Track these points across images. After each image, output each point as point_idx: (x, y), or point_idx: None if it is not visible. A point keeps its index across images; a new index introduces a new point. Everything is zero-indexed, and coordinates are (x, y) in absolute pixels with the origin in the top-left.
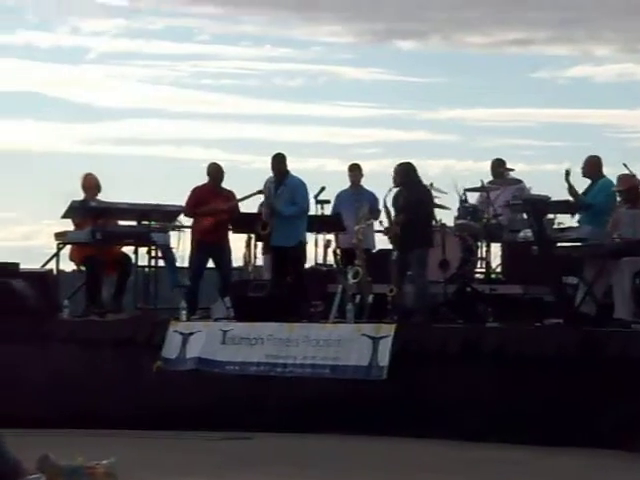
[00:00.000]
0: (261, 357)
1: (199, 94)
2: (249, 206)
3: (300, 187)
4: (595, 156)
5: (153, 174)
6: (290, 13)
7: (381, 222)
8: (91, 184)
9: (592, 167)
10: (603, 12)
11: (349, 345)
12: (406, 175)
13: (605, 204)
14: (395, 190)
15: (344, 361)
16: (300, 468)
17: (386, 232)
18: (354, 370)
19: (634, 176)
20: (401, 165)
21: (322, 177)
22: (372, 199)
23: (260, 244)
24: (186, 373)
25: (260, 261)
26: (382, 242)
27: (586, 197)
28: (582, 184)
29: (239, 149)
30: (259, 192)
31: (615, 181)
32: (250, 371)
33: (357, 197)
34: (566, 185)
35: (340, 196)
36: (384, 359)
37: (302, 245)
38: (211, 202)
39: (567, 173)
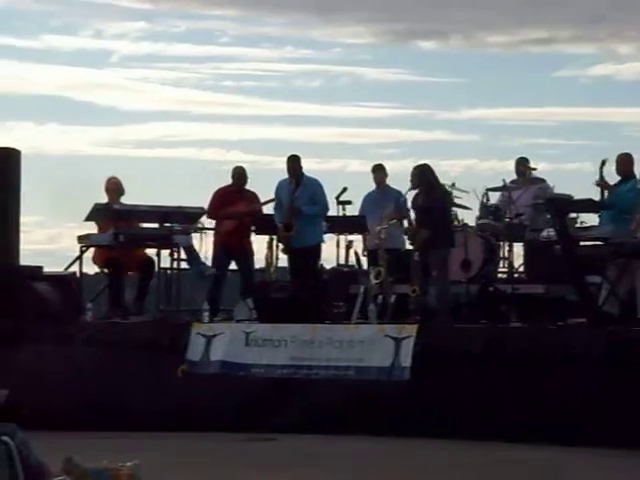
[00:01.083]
0: (285, 359)
1: (220, 96)
2: (271, 208)
3: (319, 187)
4: (628, 154)
5: (176, 176)
6: (310, 14)
7: (405, 223)
8: (114, 187)
9: (625, 165)
10: (625, 10)
11: (372, 346)
12: (423, 176)
13: (630, 203)
14: (413, 192)
15: (367, 362)
16: (325, 470)
17: (405, 232)
18: (377, 371)
19: None
20: (417, 167)
21: (343, 178)
22: (398, 198)
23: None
24: (210, 375)
25: (282, 262)
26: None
27: (613, 194)
28: (613, 181)
29: (260, 150)
30: (273, 200)
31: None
32: (275, 374)
33: (383, 198)
34: (598, 175)
35: (366, 198)
36: (407, 360)
37: (320, 245)
38: (234, 204)
39: (603, 163)
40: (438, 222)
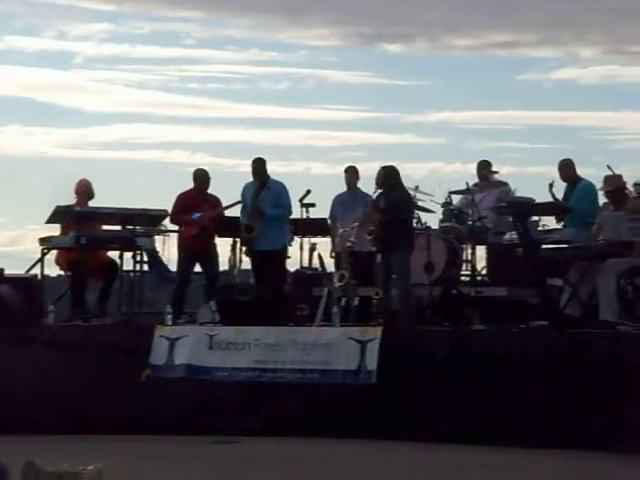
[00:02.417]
0: (250, 362)
1: (185, 98)
2: (234, 211)
3: (283, 190)
4: (567, 159)
5: (141, 178)
6: (276, 17)
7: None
8: (84, 190)
9: (567, 170)
10: (588, 14)
11: (337, 349)
12: (387, 177)
13: (589, 207)
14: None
15: (333, 365)
16: (287, 473)
17: (369, 234)
18: (343, 374)
19: (620, 177)
20: (383, 168)
21: (308, 180)
22: (367, 202)
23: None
24: (174, 378)
25: (245, 264)
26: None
27: (569, 201)
28: (561, 189)
29: (225, 153)
30: (239, 202)
31: (597, 183)
32: (240, 377)
33: (353, 199)
34: (550, 197)
35: (337, 200)
36: (372, 363)
37: (286, 248)
38: (197, 208)
39: (551, 185)
40: (398, 223)
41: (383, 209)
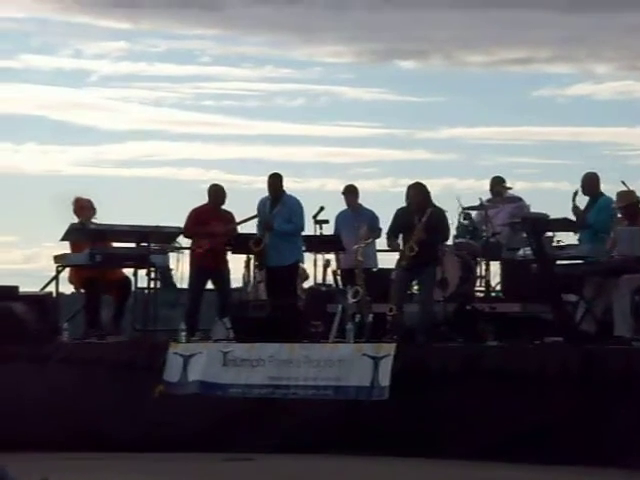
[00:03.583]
0: (264, 379)
1: (200, 116)
2: (248, 227)
3: (297, 206)
4: (593, 173)
5: (155, 196)
6: (291, 34)
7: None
8: (88, 206)
9: (591, 184)
10: (603, 30)
11: (350, 365)
12: (425, 195)
13: (605, 223)
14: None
15: (346, 382)
16: None
17: (410, 250)
18: (356, 391)
19: (633, 192)
20: (420, 185)
21: (322, 197)
22: (372, 218)
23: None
24: (188, 395)
25: (258, 277)
26: (383, 261)
27: (587, 215)
28: (584, 201)
29: (240, 169)
30: (255, 216)
31: (614, 198)
32: (253, 394)
33: (357, 217)
34: (571, 205)
35: (340, 217)
36: (385, 379)
37: (297, 264)
38: (210, 223)
39: (575, 194)
40: (439, 240)
41: (427, 225)
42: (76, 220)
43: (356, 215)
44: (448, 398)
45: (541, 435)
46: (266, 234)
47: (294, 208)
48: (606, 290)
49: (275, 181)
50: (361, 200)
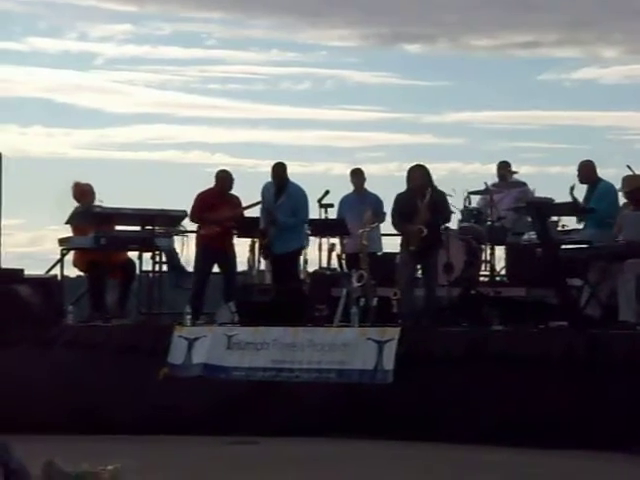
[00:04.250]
0: (267, 362)
1: (206, 99)
2: (254, 211)
3: (302, 197)
4: (588, 160)
5: (160, 178)
6: (297, 18)
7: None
8: (85, 191)
9: (587, 172)
10: (610, 14)
11: (354, 349)
12: (428, 176)
13: (609, 208)
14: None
15: (350, 365)
16: (307, 472)
17: (420, 232)
18: (360, 374)
19: (639, 177)
20: (422, 167)
21: (328, 181)
22: (376, 202)
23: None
24: (192, 378)
25: (263, 265)
26: (388, 245)
27: (589, 202)
28: (582, 192)
29: (245, 153)
30: (260, 202)
31: (617, 183)
32: (257, 377)
33: (361, 201)
34: (570, 199)
35: (344, 201)
36: (389, 363)
37: (301, 249)
38: (216, 208)
39: (572, 188)
40: (442, 222)
41: (430, 207)
42: (77, 205)
43: (361, 199)
44: (452, 382)
45: (545, 419)
46: (270, 227)
47: (299, 199)
48: (611, 274)
49: (279, 170)
50: (367, 184)
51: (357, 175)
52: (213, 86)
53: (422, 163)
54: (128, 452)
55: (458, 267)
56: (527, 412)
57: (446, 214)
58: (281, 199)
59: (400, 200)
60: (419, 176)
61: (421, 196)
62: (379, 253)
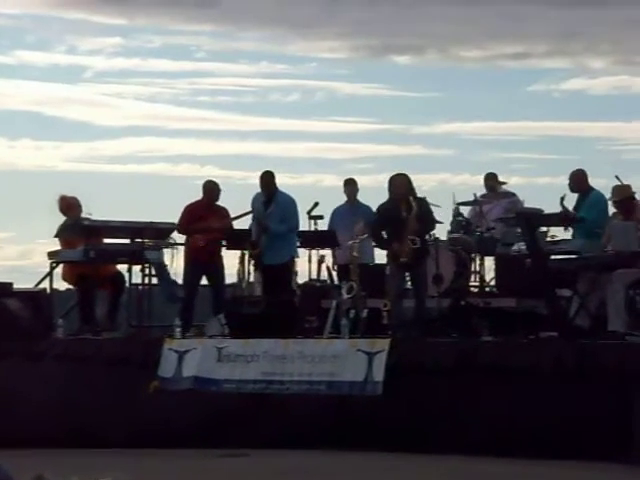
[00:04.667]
0: (257, 374)
1: (195, 111)
2: (243, 223)
3: (291, 205)
4: (580, 169)
5: (149, 191)
6: (286, 30)
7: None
8: (71, 204)
9: (579, 181)
10: (598, 25)
11: (344, 361)
12: (410, 186)
13: (598, 218)
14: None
15: (339, 377)
16: None
17: (413, 244)
18: (350, 386)
19: (629, 187)
20: (404, 176)
21: (318, 192)
22: (368, 213)
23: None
24: (182, 391)
25: (253, 277)
26: (379, 256)
27: (579, 211)
28: (572, 201)
29: (235, 165)
30: (250, 212)
31: (606, 193)
32: (247, 389)
33: (353, 212)
34: (560, 209)
35: (336, 212)
36: (379, 374)
37: (293, 260)
38: (205, 219)
39: (562, 199)
40: (428, 232)
41: (419, 217)
42: (64, 219)
43: (353, 210)
44: (442, 393)
45: (535, 430)
46: (262, 237)
47: (288, 207)
48: (600, 285)
49: (267, 179)
50: (357, 195)
51: (350, 185)
52: (203, 98)
53: (402, 172)
54: (119, 465)
55: (448, 278)
56: (517, 423)
57: (431, 223)
58: (270, 208)
59: (383, 211)
60: (401, 184)
61: (405, 205)
62: (371, 264)
